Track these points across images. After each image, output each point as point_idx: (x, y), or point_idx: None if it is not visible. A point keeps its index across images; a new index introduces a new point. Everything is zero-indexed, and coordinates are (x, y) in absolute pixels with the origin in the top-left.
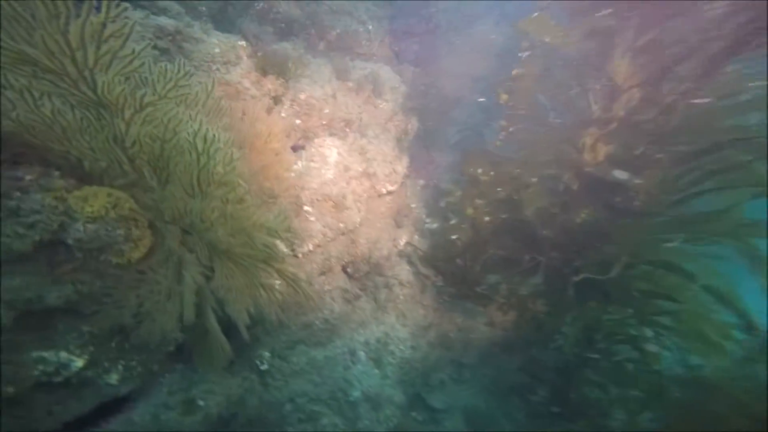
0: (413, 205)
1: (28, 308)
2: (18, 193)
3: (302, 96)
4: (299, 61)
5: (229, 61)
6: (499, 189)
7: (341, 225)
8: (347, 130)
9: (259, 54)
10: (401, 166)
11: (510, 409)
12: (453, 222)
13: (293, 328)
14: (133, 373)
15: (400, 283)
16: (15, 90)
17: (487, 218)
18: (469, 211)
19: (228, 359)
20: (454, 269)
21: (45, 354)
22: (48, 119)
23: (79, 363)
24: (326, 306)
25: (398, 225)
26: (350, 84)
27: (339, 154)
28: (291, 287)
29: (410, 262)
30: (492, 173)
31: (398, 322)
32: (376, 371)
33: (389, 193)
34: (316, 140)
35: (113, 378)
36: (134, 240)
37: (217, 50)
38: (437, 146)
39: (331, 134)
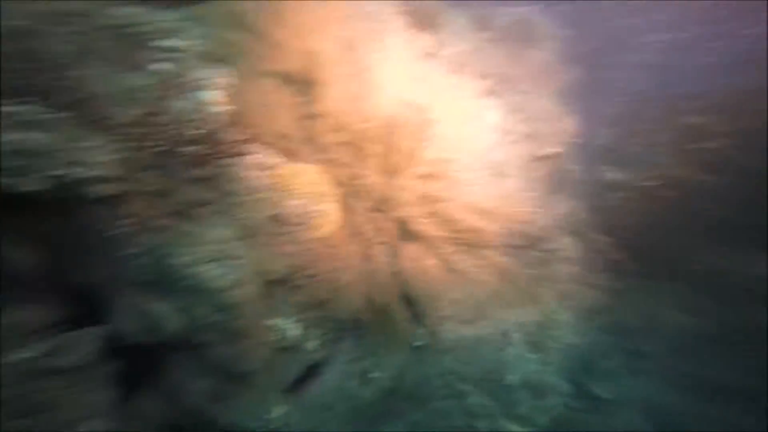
0: (576, 168)
1: (264, 279)
2: (248, 172)
3: (451, 50)
4: (444, 13)
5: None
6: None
7: (500, 194)
8: (501, 86)
9: (410, 10)
10: (563, 124)
11: (714, 414)
12: (644, 182)
13: (444, 306)
14: (325, 342)
15: (563, 259)
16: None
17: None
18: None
19: (408, 336)
20: (638, 241)
21: (277, 321)
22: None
23: (297, 331)
24: (478, 283)
25: (559, 191)
26: (496, 33)
27: (496, 114)
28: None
29: (575, 234)
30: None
31: (560, 304)
32: (534, 355)
33: (550, 155)
34: (470, 100)
35: (312, 345)
36: (327, 215)
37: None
38: (603, 98)
39: (487, 93)
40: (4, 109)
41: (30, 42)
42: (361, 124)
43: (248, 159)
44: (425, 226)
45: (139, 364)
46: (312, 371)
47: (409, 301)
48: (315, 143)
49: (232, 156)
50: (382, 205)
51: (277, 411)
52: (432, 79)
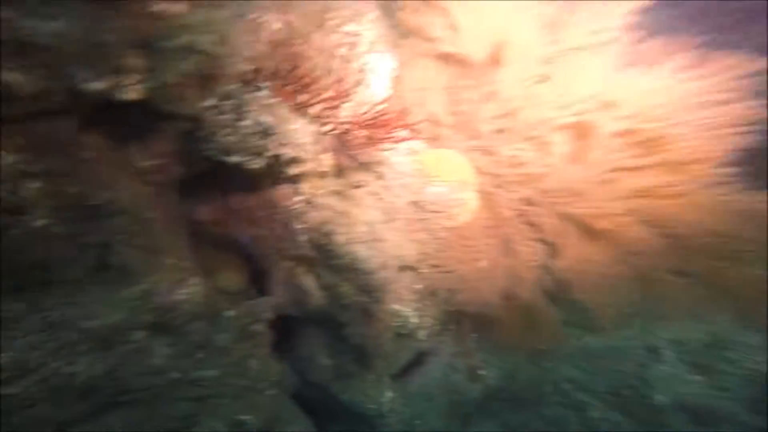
0: None
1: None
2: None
3: None
4: None
5: None
6: None
7: None
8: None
9: None
10: None
11: None
12: None
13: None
14: (433, 331)
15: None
16: None
17: None
18: None
19: (537, 338)
20: None
21: (400, 307)
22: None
23: (416, 319)
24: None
25: None
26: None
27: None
28: None
29: None
30: None
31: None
32: (700, 378)
33: None
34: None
35: (422, 334)
36: (467, 204)
37: None
38: None
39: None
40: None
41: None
42: (539, 112)
43: (401, 142)
44: (615, 226)
45: (278, 334)
46: (419, 360)
47: (555, 301)
48: (471, 130)
49: (394, 141)
50: (545, 198)
51: (387, 396)
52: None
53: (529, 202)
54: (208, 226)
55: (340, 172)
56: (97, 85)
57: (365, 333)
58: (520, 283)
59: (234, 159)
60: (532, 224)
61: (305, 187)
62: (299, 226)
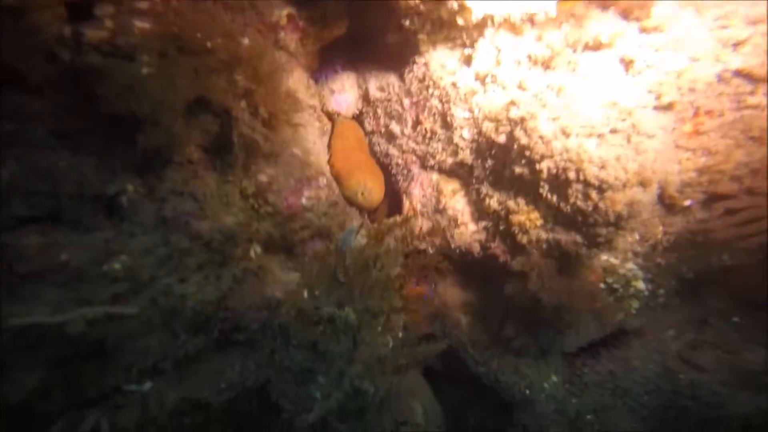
0: None
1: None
2: None
3: None
4: None
5: None
6: None
7: None
8: None
9: None
10: None
11: None
12: None
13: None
14: (650, 304)
15: None
16: None
17: None
18: None
19: None
20: None
21: (613, 260)
22: None
23: (640, 284)
24: None
25: None
26: None
27: None
28: None
29: None
30: None
31: None
32: None
33: None
34: None
35: (633, 306)
36: None
37: None
38: None
39: None
40: None
41: None
42: None
43: None
44: None
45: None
46: (617, 340)
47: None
48: None
49: None
50: None
51: (551, 381)
52: None
53: None
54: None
55: (564, 25)
56: None
57: (560, 292)
58: None
59: None
60: None
61: (484, 45)
62: (462, 114)
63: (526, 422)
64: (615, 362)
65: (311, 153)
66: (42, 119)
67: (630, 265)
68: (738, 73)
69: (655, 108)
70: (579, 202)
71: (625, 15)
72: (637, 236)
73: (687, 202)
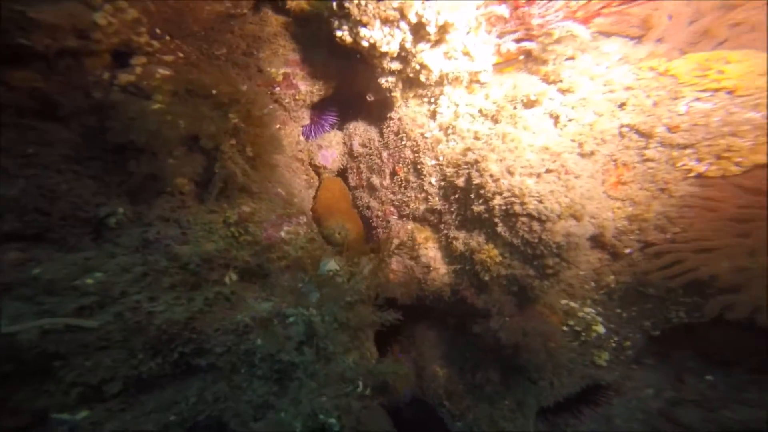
0: None
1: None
2: None
3: None
4: None
5: None
6: None
7: None
8: None
9: None
10: None
11: None
12: None
13: None
14: (620, 357)
15: None
16: None
17: None
18: None
19: None
20: None
21: (574, 305)
22: None
23: (600, 329)
24: None
25: None
26: None
27: None
28: None
29: None
30: None
31: None
32: None
33: None
34: None
35: (602, 357)
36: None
37: None
38: None
39: None
40: None
41: None
42: None
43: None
44: None
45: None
46: (592, 396)
47: None
48: None
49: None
50: None
51: None
52: None
53: None
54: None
55: (506, 85)
56: None
57: (518, 331)
58: None
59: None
60: None
61: (445, 101)
62: (430, 162)
63: None
64: (597, 421)
65: (295, 196)
66: (60, 146)
67: (589, 309)
68: (630, 128)
69: (580, 154)
70: (526, 235)
71: (546, 79)
72: (592, 284)
73: (627, 251)
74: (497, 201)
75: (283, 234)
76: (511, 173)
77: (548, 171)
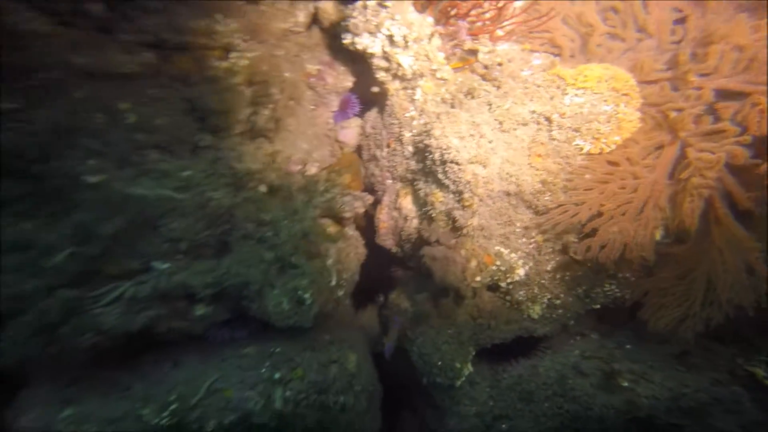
0: None
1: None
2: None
3: None
4: None
5: None
6: None
7: None
8: None
9: None
10: None
11: None
12: None
13: None
14: (553, 315)
15: None
16: None
17: None
18: None
19: None
20: None
21: (502, 251)
22: None
23: (521, 271)
24: None
25: None
26: None
27: None
28: None
29: None
30: None
31: None
32: None
33: None
34: None
35: (535, 310)
36: (619, 120)
37: None
38: None
39: None
40: None
41: None
42: None
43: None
44: None
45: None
46: (527, 348)
47: None
48: None
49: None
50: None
51: (465, 371)
52: None
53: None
54: None
55: (458, 81)
56: None
57: (447, 261)
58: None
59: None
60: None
61: (419, 91)
62: (408, 134)
63: (452, 428)
64: (525, 368)
65: (315, 153)
66: (180, 102)
67: (514, 255)
68: (538, 114)
69: (501, 130)
70: (451, 175)
71: (484, 77)
72: (524, 239)
73: (542, 207)
74: (437, 155)
75: (298, 168)
76: (446, 136)
77: (470, 135)
